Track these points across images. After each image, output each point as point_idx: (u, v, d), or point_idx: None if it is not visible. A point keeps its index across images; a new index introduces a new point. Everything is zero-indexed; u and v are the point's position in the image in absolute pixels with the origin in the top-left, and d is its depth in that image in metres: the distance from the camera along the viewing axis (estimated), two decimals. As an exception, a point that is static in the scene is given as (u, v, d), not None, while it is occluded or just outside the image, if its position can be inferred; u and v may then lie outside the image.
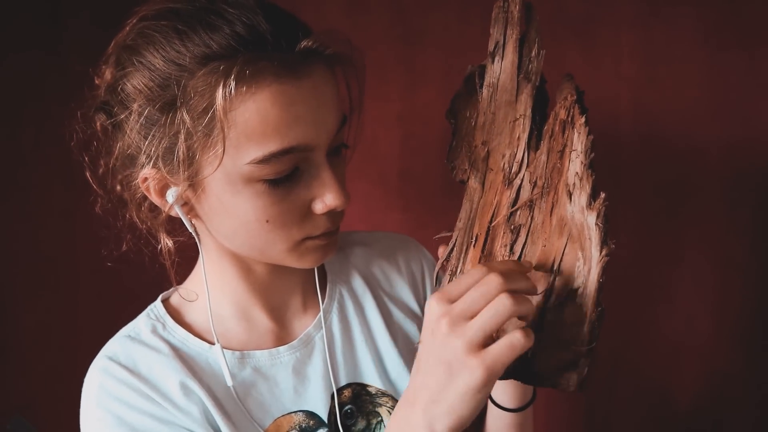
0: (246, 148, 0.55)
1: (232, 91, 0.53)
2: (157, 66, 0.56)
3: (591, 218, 0.54)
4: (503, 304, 0.48)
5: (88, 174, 0.66)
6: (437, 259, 0.66)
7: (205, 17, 0.55)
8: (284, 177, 0.57)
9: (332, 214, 0.61)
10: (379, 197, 1.07)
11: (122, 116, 0.58)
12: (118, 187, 0.63)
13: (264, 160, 0.55)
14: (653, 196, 1.00)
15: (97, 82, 0.63)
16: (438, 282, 0.67)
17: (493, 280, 0.50)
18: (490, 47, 0.68)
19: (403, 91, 1.05)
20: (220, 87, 0.53)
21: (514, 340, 0.48)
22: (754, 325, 1.00)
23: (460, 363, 0.48)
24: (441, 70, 1.04)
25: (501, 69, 0.67)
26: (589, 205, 0.55)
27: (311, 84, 0.56)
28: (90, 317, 1.05)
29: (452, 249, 0.66)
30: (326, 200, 0.59)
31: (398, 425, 0.53)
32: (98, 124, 0.63)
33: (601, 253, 0.53)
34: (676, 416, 1.05)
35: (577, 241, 0.56)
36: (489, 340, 0.49)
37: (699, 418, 1.05)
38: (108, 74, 0.61)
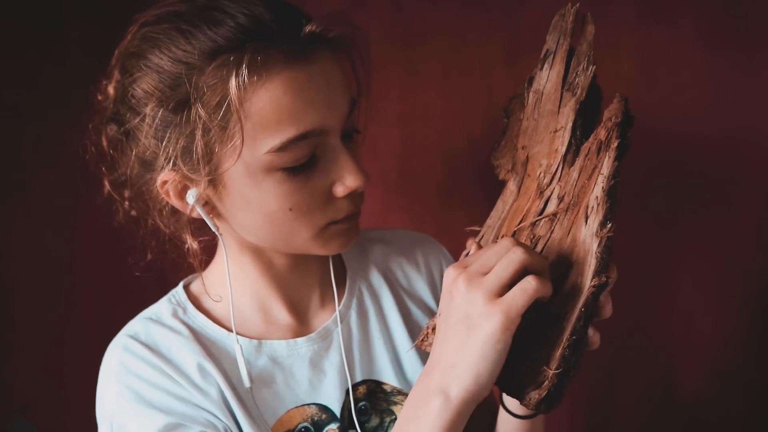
0: (263, 137, 0.56)
1: (245, 79, 0.53)
2: (165, 67, 0.56)
3: (594, 245, 0.54)
4: (515, 253, 0.51)
5: (107, 185, 0.65)
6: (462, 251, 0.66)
7: (206, 14, 0.56)
8: (303, 164, 0.58)
9: (353, 197, 0.62)
10: (379, 197, 1.07)
11: (135, 122, 0.59)
12: (138, 195, 0.64)
13: (282, 148, 0.56)
14: (653, 196, 1.01)
15: (99, 98, 0.63)
16: None
17: (505, 242, 0.53)
18: (542, 53, 0.67)
19: (403, 91, 1.05)
20: (233, 77, 0.53)
21: (526, 284, 0.50)
22: (754, 325, 1.00)
23: (479, 313, 0.50)
24: (441, 70, 1.04)
25: (548, 77, 0.66)
26: (597, 233, 0.54)
27: (319, 68, 0.57)
28: (90, 317, 1.05)
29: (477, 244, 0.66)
30: (346, 182, 0.60)
31: (415, 396, 0.53)
32: (110, 134, 0.63)
33: (590, 282, 0.52)
34: (676, 416, 1.06)
35: (580, 265, 0.55)
36: (505, 290, 0.51)
37: (699, 418, 1.05)
38: (112, 88, 0.61)
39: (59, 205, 1.02)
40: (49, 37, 0.98)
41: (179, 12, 0.57)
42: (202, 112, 0.55)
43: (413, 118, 1.06)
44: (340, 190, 0.61)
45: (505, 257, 0.52)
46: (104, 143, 0.64)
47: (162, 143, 0.57)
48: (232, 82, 0.53)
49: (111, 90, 0.61)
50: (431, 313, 0.76)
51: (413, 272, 0.78)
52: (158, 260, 0.68)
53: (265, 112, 0.55)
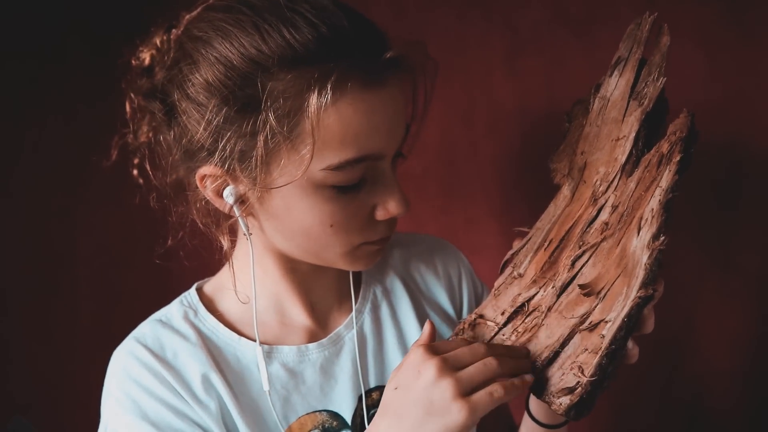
0: (322, 153, 0.54)
1: (329, 99, 0.52)
2: (234, 62, 0.54)
3: (644, 257, 0.54)
4: (491, 365, 0.53)
5: (147, 167, 0.64)
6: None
7: (284, 15, 0.53)
8: (353, 185, 0.57)
9: (390, 221, 0.62)
10: (379, 197, 1.06)
11: (188, 110, 0.57)
12: (172, 183, 0.63)
13: (339, 167, 0.55)
14: (653, 196, 1.00)
15: (134, 63, 0.61)
16: (501, 272, 0.67)
17: (480, 349, 0.55)
18: (613, 59, 0.66)
19: (403, 91, 1.05)
20: (314, 94, 0.52)
21: (493, 391, 0.52)
22: (754, 325, 1.00)
23: (445, 404, 0.51)
24: (441, 70, 1.04)
25: (616, 85, 0.65)
26: (649, 244, 0.54)
27: (390, 93, 0.56)
28: (90, 317, 1.05)
29: (524, 245, 0.66)
30: (389, 207, 0.60)
31: None
32: (154, 112, 0.61)
33: (636, 293, 0.53)
34: (676, 416, 1.05)
35: (628, 276, 0.55)
36: (472, 391, 0.52)
37: (699, 418, 1.05)
38: (162, 70, 0.59)
39: (59, 204, 1.02)
40: (49, 35, 0.98)
41: (252, 4, 0.55)
42: (272, 120, 0.53)
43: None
44: (381, 214, 0.61)
45: (483, 363, 0.53)
46: (139, 117, 0.63)
47: (220, 141, 0.55)
48: (314, 99, 0.52)
49: (160, 71, 0.59)
50: (448, 319, 0.76)
51: (432, 278, 0.77)
52: (177, 250, 0.67)
53: (331, 128, 0.54)
